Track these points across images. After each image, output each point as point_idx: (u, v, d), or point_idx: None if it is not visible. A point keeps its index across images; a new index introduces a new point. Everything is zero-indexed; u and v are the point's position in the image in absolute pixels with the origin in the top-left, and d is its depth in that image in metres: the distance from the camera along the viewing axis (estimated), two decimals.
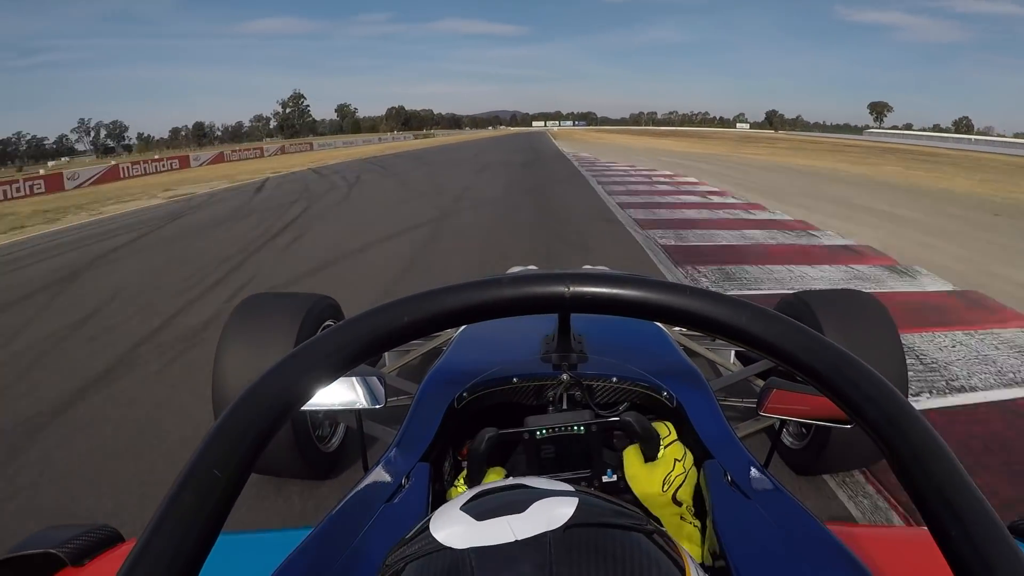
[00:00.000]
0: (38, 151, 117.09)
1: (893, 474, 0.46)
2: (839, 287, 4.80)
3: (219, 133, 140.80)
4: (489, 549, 0.38)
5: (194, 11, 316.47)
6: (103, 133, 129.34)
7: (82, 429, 3.07)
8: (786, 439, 2.39)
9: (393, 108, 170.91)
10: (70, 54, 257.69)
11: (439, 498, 0.98)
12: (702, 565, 0.94)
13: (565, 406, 1.17)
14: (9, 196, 18.31)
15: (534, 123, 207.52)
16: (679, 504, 1.00)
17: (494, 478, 0.97)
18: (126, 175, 24.67)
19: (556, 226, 8.74)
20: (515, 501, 0.42)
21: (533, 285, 0.56)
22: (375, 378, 1.10)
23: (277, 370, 0.49)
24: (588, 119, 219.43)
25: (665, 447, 1.01)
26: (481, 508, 0.42)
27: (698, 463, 1.01)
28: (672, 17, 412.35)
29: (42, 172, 26.58)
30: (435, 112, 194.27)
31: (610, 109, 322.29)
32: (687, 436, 1.09)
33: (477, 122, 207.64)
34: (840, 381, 0.49)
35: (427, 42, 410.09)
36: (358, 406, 1.08)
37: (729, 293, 1.15)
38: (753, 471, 0.94)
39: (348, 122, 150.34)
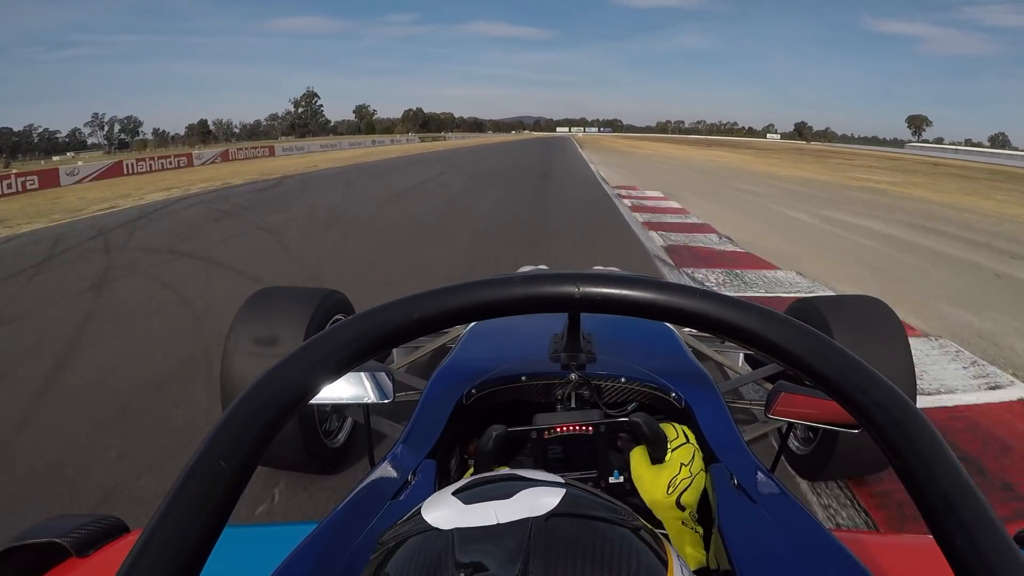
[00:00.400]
0: (50, 144, 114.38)
1: (899, 481, 0.46)
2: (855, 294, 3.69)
3: (236, 130, 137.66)
4: (471, 530, 0.39)
5: (222, 7, 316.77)
6: (117, 128, 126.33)
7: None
8: (793, 444, 2.38)
9: (410, 110, 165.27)
10: (97, 49, 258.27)
11: None
12: (707, 569, 0.91)
13: (573, 405, 1.17)
14: None
15: (558, 129, 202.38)
16: (683, 508, 0.98)
17: None
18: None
19: None
20: (503, 489, 0.44)
21: (544, 284, 0.55)
22: (383, 374, 1.11)
23: (286, 364, 0.49)
24: (614, 126, 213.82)
25: (673, 450, 1.00)
26: (471, 494, 0.44)
27: (705, 466, 1.01)
28: (699, 25, 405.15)
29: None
30: (456, 115, 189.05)
31: (635, 116, 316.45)
32: (694, 438, 1.09)
33: (500, 126, 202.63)
34: (848, 385, 0.49)
35: (453, 45, 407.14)
36: (366, 401, 1.08)
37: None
38: (759, 475, 0.95)
39: (364, 123, 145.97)
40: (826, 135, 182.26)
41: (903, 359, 2.06)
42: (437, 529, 0.41)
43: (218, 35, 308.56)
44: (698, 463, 1.01)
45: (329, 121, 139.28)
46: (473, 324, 1.71)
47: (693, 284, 0.74)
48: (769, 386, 2.03)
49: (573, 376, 1.18)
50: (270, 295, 2.35)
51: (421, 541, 0.41)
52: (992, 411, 3.05)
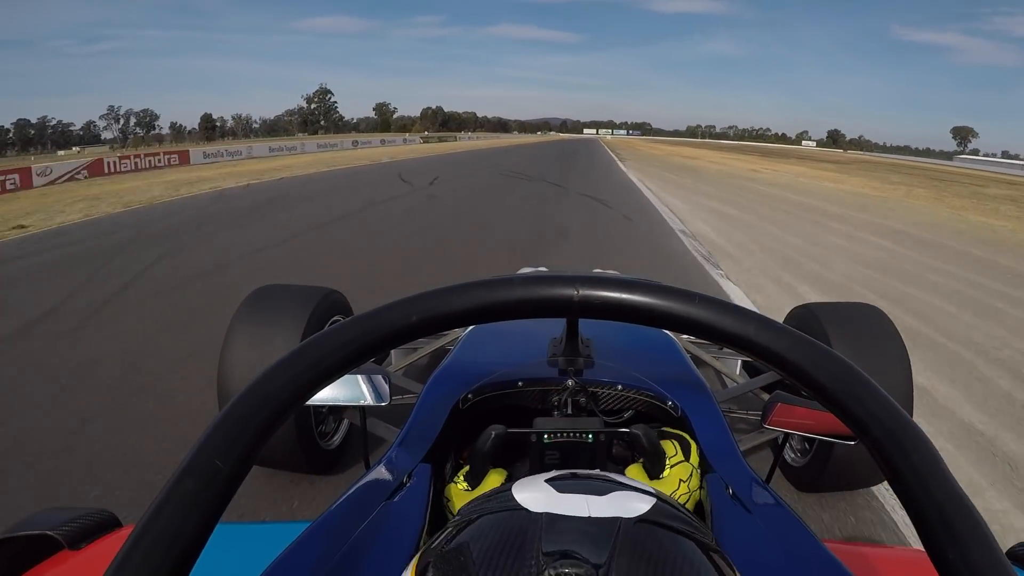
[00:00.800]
0: (63, 137, 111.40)
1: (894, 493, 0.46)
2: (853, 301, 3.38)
3: (256, 125, 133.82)
4: (562, 517, 0.40)
5: (253, 5, 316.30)
6: (132, 121, 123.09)
7: None
8: (788, 455, 2.36)
9: (429, 108, 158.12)
10: (127, 43, 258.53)
11: (440, 498, 0.98)
12: None
13: (570, 411, 1.16)
14: None
15: (585, 130, 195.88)
16: None
17: (496, 479, 0.97)
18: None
19: None
20: (598, 485, 0.45)
21: (542, 288, 0.55)
22: (380, 376, 1.10)
23: (283, 364, 0.49)
24: (642, 129, 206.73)
25: (671, 467, 0.99)
26: (565, 484, 0.45)
27: (700, 475, 1.01)
28: (727, 31, 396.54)
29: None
30: (479, 115, 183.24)
31: (664, 120, 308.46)
32: (695, 456, 1.08)
33: (525, 127, 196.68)
34: (845, 396, 0.48)
35: (480, 46, 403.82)
36: (362, 403, 1.08)
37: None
38: (754, 485, 0.95)
39: (381, 121, 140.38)
40: (860, 143, 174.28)
41: (900, 369, 2.04)
42: (526, 509, 0.41)
43: (247, 32, 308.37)
44: (695, 481, 1.00)
45: (343, 118, 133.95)
46: (472, 327, 1.64)
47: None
48: (766, 396, 2.06)
49: (570, 383, 1.17)
50: (269, 294, 2.30)
51: (507, 518, 0.41)
52: None
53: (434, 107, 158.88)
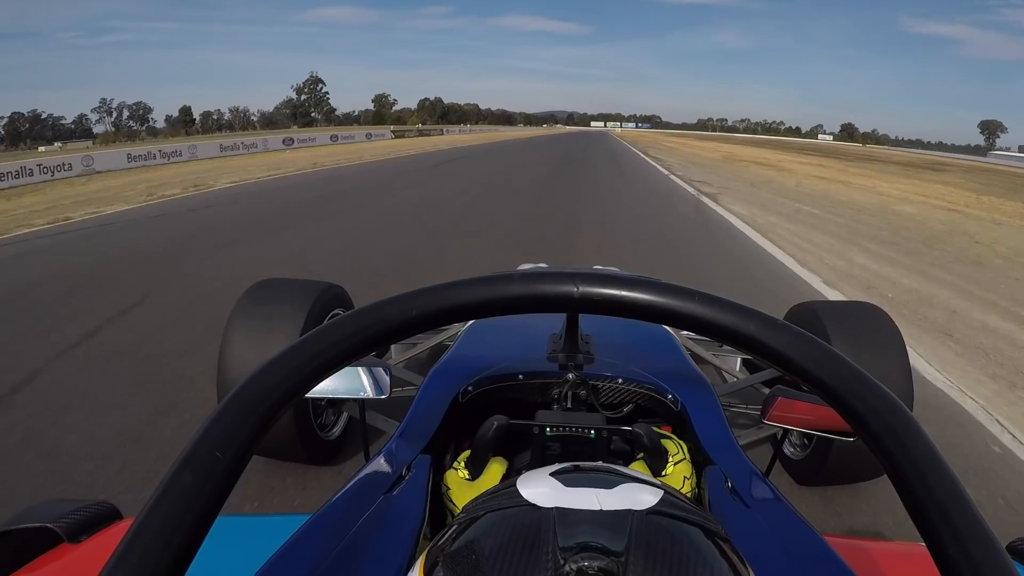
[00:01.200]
0: (53, 132, 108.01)
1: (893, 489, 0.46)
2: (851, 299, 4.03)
3: (255, 118, 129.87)
4: (574, 511, 0.40)
5: None
6: (125, 114, 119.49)
7: None
8: (788, 449, 2.35)
9: (426, 99, 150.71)
10: (131, 35, 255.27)
11: (439, 491, 0.97)
12: None
13: (570, 405, 1.17)
14: None
15: (592, 123, 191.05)
16: None
17: (498, 468, 0.96)
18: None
19: None
20: (605, 478, 0.44)
21: (543, 283, 0.55)
22: (381, 369, 1.11)
23: (284, 356, 0.49)
24: (652, 122, 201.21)
25: (674, 465, 0.99)
26: (571, 478, 0.44)
27: (699, 469, 1.01)
28: (737, 22, 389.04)
29: None
30: (481, 107, 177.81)
31: (673, 113, 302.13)
32: (690, 441, 1.09)
33: (531, 120, 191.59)
34: (845, 392, 0.48)
35: (487, 38, 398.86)
36: (363, 395, 1.08)
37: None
38: (754, 479, 0.95)
39: (374, 114, 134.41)
40: (876, 137, 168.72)
41: (900, 367, 2.03)
42: (535, 505, 0.41)
43: (253, 24, 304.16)
44: (695, 479, 1.01)
45: (334, 109, 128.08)
46: (472, 321, 1.66)
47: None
48: (766, 391, 1.98)
49: (570, 376, 1.18)
50: (269, 287, 2.28)
51: (516, 514, 0.41)
52: None
53: (432, 98, 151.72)
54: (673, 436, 1.05)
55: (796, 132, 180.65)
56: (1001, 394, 3.20)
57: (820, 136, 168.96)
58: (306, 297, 2.18)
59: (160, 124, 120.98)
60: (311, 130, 66.27)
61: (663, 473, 0.95)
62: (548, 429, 1.05)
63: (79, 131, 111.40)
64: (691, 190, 12.17)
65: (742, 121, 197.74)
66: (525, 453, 1.08)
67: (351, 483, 0.89)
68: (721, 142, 58.94)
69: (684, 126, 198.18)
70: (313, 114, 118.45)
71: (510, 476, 0.89)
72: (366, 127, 72.60)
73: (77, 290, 4.82)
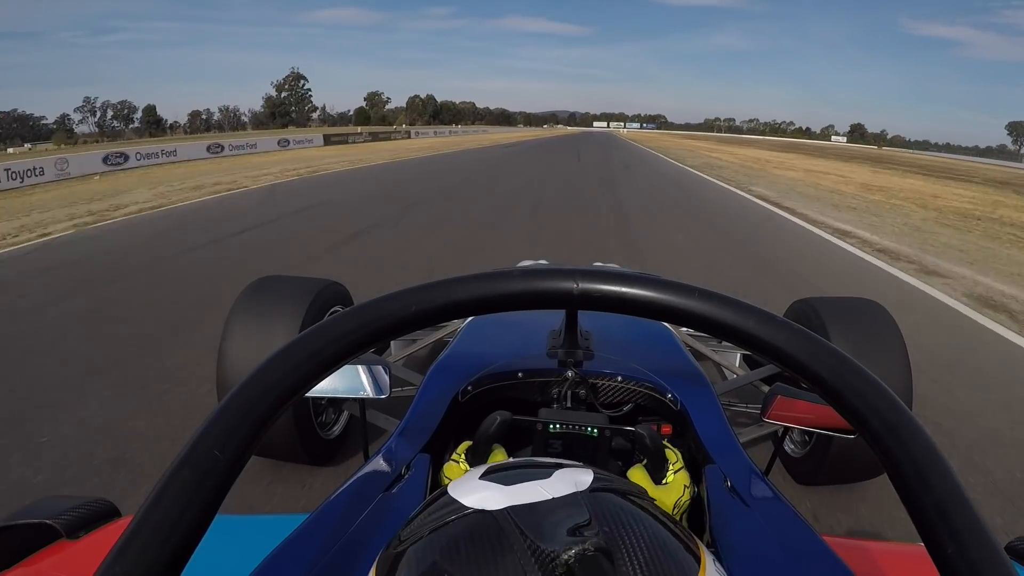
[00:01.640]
0: (32, 131, 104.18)
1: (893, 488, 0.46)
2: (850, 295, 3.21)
3: (245, 118, 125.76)
4: (528, 506, 0.39)
5: None
6: (110, 114, 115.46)
7: None
8: (788, 446, 2.36)
9: (416, 97, 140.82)
10: (134, 35, 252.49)
11: (438, 489, 0.95)
12: None
13: (569, 403, 1.17)
14: None
15: (595, 124, 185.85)
16: None
17: (499, 458, 0.95)
18: None
19: None
20: (537, 470, 0.43)
21: (542, 280, 0.55)
22: (380, 367, 1.10)
23: (283, 354, 0.48)
24: (657, 122, 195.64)
25: (675, 472, 0.97)
26: (504, 477, 0.43)
27: (699, 467, 1.00)
28: (739, 24, 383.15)
29: None
30: (480, 106, 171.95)
31: (678, 113, 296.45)
32: (689, 439, 1.10)
33: (532, 120, 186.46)
34: (845, 390, 0.48)
35: (488, 39, 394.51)
36: (362, 395, 1.08)
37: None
38: (753, 478, 0.95)
39: (357, 114, 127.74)
40: (889, 140, 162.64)
41: (900, 364, 2.02)
42: (483, 511, 0.39)
43: (255, 25, 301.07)
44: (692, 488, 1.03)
45: (316, 108, 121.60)
46: (471, 318, 1.65)
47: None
48: (766, 388, 2.02)
49: (570, 374, 1.17)
50: (269, 284, 2.27)
51: (468, 524, 0.39)
52: None
53: (423, 96, 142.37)
54: (670, 445, 1.00)
55: (806, 133, 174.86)
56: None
57: (834, 138, 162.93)
58: (305, 294, 2.18)
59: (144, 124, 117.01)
60: (186, 139, 61.29)
61: (664, 481, 0.92)
62: (551, 427, 1.03)
63: (61, 131, 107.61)
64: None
65: (750, 121, 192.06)
66: (526, 450, 1.07)
67: (350, 482, 0.88)
68: (741, 145, 53.23)
69: (687, 126, 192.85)
70: (293, 114, 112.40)
71: None
72: (277, 132, 61.70)
73: None
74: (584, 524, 0.37)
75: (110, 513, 0.89)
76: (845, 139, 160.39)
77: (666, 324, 1.60)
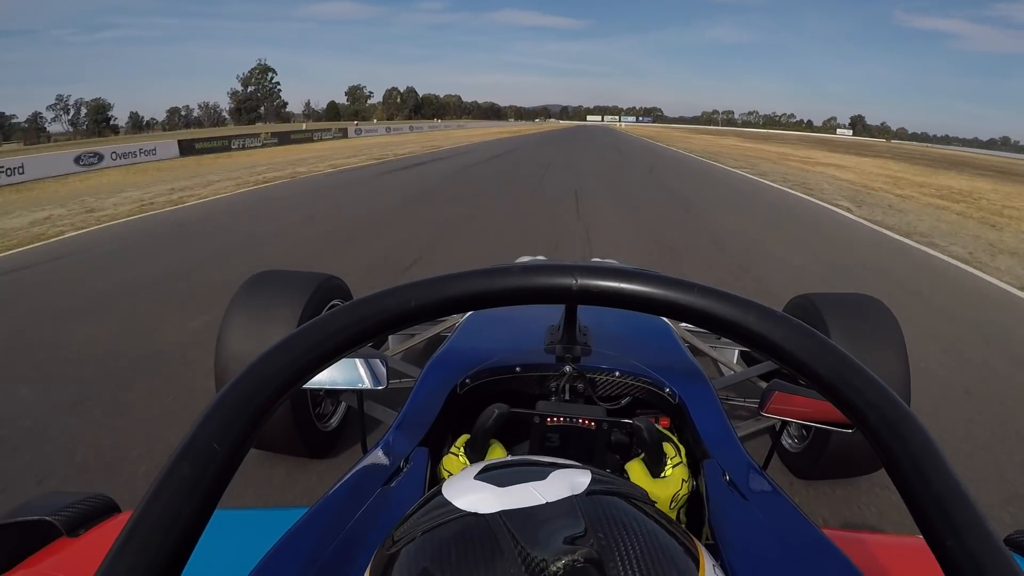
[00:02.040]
0: (3, 130, 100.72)
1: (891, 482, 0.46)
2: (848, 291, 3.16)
3: (226, 115, 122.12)
4: (521, 511, 0.38)
5: None
6: (83, 112, 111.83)
7: None
8: (786, 441, 2.35)
9: (395, 90, 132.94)
10: (127, 32, 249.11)
11: (437, 482, 0.96)
12: None
13: (567, 397, 1.16)
14: None
15: (589, 117, 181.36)
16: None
17: (498, 452, 0.95)
18: None
19: None
20: (533, 470, 0.43)
21: (541, 275, 0.55)
22: (378, 360, 1.11)
23: (281, 347, 0.48)
24: (653, 115, 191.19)
25: (673, 467, 0.97)
26: (499, 478, 0.42)
27: (697, 462, 1.00)
28: (734, 16, 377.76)
29: None
30: (467, 99, 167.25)
31: (674, 106, 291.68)
32: (687, 434, 1.09)
33: (522, 114, 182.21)
34: (843, 385, 0.48)
35: (482, 33, 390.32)
36: (360, 387, 1.08)
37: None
38: (751, 472, 0.95)
39: (327, 109, 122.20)
40: (889, 131, 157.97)
41: (899, 359, 2.01)
42: (476, 513, 0.39)
43: (246, 20, 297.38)
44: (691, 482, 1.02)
45: (285, 103, 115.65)
46: (470, 313, 1.64)
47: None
48: (764, 384, 2.03)
49: (568, 368, 1.16)
50: (268, 278, 2.27)
51: (460, 528, 0.38)
52: None
53: (403, 88, 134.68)
54: (672, 438, 0.99)
55: (808, 126, 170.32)
56: None
57: (839, 131, 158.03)
58: (304, 288, 2.18)
59: (122, 122, 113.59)
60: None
61: (662, 475, 0.91)
62: (549, 419, 1.02)
63: (32, 130, 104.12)
64: None
65: (749, 114, 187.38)
66: (524, 444, 1.06)
67: (349, 475, 0.88)
68: (756, 140, 48.00)
69: (682, 119, 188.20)
70: (261, 110, 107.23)
71: None
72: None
73: None
74: (577, 533, 0.36)
75: (109, 509, 0.90)
76: (851, 132, 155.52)
77: (664, 320, 1.58)
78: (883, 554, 0.85)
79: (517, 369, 1.21)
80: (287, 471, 2.26)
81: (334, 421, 2.40)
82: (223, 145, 24.64)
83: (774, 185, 13.17)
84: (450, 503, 0.40)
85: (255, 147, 26.43)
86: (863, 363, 0.49)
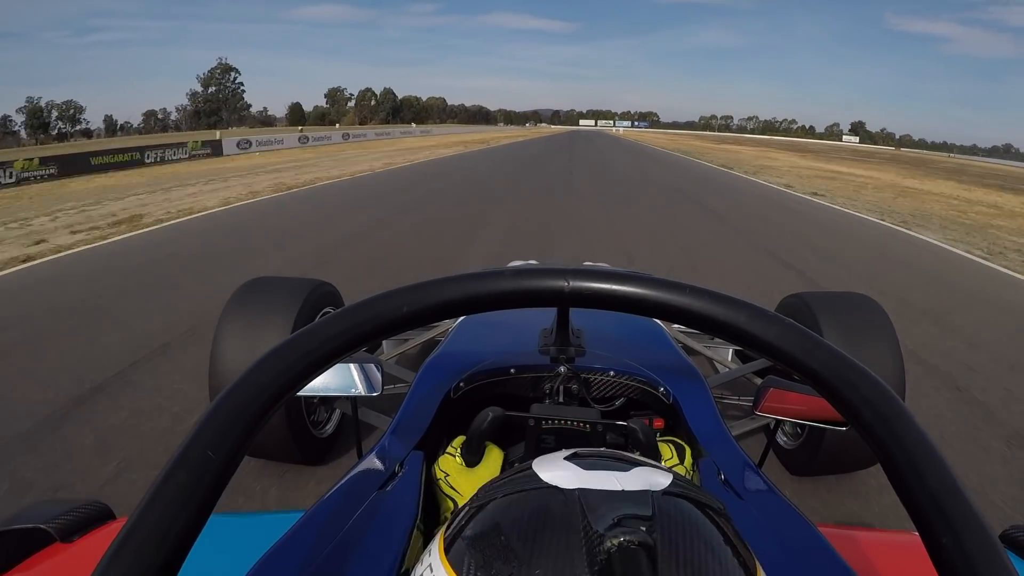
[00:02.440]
0: None
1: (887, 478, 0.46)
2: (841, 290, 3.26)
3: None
4: (598, 492, 0.40)
5: None
6: (54, 114, 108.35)
7: None
8: (781, 438, 2.37)
9: (368, 91, 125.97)
10: (119, 34, 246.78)
11: (432, 486, 0.97)
12: None
13: (562, 399, 1.17)
14: None
15: (582, 122, 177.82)
16: None
17: (497, 455, 0.97)
18: None
19: None
20: (619, 461, 0.45)
21: (533, 279, 0.56)
22: (372, 365, 1.12)
23: (275, 354, 0.49)
24: (649, 119, 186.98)
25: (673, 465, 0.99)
26: (586, 462, 0.45)
27: (692, 460, 1.01)
28: (726, 20, 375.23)
29: None
30: (459, 103, 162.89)
31: (670, 111, 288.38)
32: (682, 433, 1.10)
33: (512, 118, 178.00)
34: (836, 382, 0.48)
35: (473, 36, 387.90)
36: (354, 393, 1.09)
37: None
38: (747, 470, 0.95)
39: (291, 112, 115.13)
40: (897, 139, 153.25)
41: (892, 356, 2.03)
42: (557, 487, 0.41)
43: (239, 22, 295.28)
44: (696, 479, 1.00)
45: (249, 105, 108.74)
46: (463, 317, 1.66)
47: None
48: (758, 381, 2.02)
49: (562, 369, 1.17)
50: (260, 285, 2.30)
51: (539, 496, 0.41)
52: None
53: (379, 89, 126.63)
54: (672, 441, 1.01)
55: (810, 132, 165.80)
56: None
57: (845, 138, 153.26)
58: (297, 295, 2.20)
59: (96, 125, 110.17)
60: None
61: None
62: (544, 422, 1.02)
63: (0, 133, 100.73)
64: None
65: (750, 119, 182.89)
66: (519, 446, 1.06)
67: (344, 480, 0.89)
68: (779, 150, 43.48)
69: (675, 124, 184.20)
70: (222, 113, 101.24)
71: (507, 466, 0.93)
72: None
73: None
74: (643, 520, 0.38)
75: (104, 515, 0.89)
76: (857, 139, 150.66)
77: (657, 321, 1.56)
78: (879, 550, 0.85)
79: (511, 371, 1.21)
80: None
81: (329, 427, 2.40)
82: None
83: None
84: (536, 475, 0.43)
85: (42, 180, 15.97)
86: (856, 359, 0.49)
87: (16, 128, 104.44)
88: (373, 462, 0.93)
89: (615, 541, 0.36)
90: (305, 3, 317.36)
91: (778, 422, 1.16)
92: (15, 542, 0.80)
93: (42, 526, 0.81)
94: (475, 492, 0.45)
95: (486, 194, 11.99)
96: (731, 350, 2.80)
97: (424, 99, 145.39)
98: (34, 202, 11.32)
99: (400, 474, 0.89)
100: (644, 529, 0.37)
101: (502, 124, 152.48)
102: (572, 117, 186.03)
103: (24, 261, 6.16)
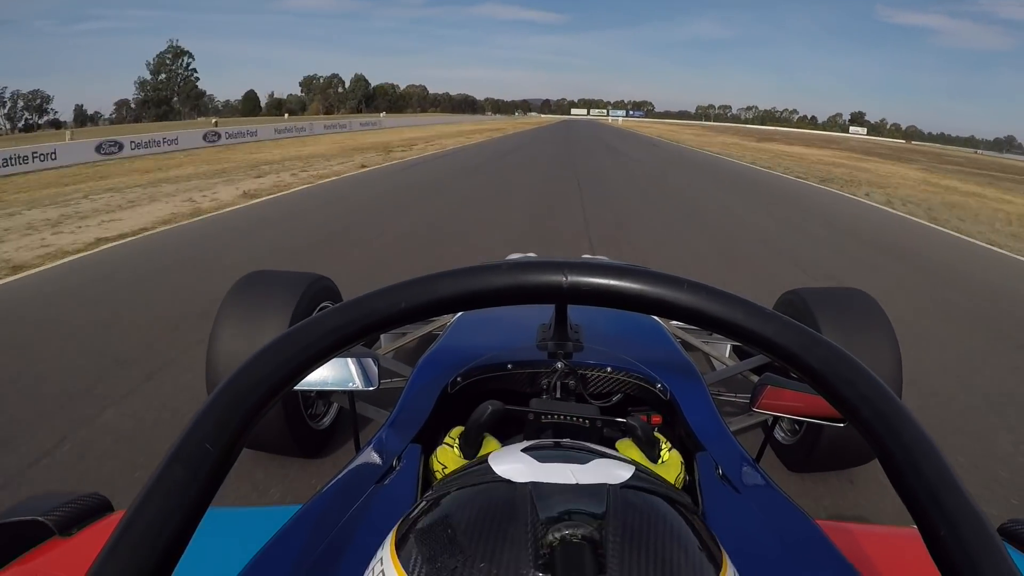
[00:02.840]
0: None
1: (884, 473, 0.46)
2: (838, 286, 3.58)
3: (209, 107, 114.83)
4: (549, 486, 0.40)
5: None
6: (20, 104, 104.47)
7: None
8: (779, 435, 2.38)
9: (335, 77, 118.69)
10: (106, 23, 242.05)
11: (429, 480, 0.97)
12: None
13: (559, 395, 1.17)
14: None
15: (573, 111, 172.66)
16: None
17: (492, 446, 0.95)
18: None
19: None
20: (577, 454, 0.45)
21: (531, 274, 0.55)
22: (370, 360, 1.11)
23: (272, 348, 0.49)
24: (644, 109, 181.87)
25: (669, 451, 0.98)
26: (543, 454, 0.45)
27: (690, 457, 1.00)
28: (717, 12, 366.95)
29: None
30: (447, 93, 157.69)
31: (664, 100, 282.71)
32: (679, 429, 1.11)
33: (500, 107, 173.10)
34: (834, 379, 0.48)
35: (463, 27, 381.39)
36: (351, 387, 1.09)
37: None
38: (744, 466, 0.96)
39: (245, 102, 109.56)
40: (903, 131, 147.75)
41: (889, 352, 2.03)
42: (509, 481, 0.41)
43: (227, 13, 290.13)
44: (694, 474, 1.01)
45: (203, 92, 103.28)
46: (461, 313, 1.70)
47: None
48: (755, 378, 2.00)
49: (559, 365, 1.17)
50: (258, 279, 2.28)
51: (490, 489, 0.41)
52: None
53: (348, 77, 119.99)
54: (662, 437, 1.01)
55: (812, 123, 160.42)
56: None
57: (852, 129, 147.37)
58: (295, 289, 2.19)
59: (65, 115, 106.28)
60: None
61: (660, 460, 0.92)
62: (542, 417, 1.04)
63: None
64: None
65: (749, 108, 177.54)
66: (517, 439, 1.05)
67: (342, 474, 0.89)
68: (801, 144, 40.39)
69: (668, 114, 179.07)
70: (175, 101, 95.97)
71: None
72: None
73: None
74: (594, 514, 0.37)
75: (102, 508, 0.89)
76: (865, 131, 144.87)
77: (655, 317, 1.58)
78: (877, 545, 0.85)
79: (509, 366, 1.20)
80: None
81: (327, 420, 2.40)
82: None
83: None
84: (490, 468, 0.43)
85: None
86: (853, 356, 0.50)
87: None
88: (371, 456, 0.93)
89: (559, 535, 0.36)
90: None
91: (776, 418, 1.14)
92: (13, 535, 0.80)
93: (40, 519, 0.81)
94: (433, 486, 0.44)
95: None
96: (729, 346, 2.76)
97: (402, 87, 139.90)
98: None
99: (398, 467, 0.89)
100: (594, 523, 0.37)
101: (489, 113, 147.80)
102: (563, 106, 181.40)
103: None
